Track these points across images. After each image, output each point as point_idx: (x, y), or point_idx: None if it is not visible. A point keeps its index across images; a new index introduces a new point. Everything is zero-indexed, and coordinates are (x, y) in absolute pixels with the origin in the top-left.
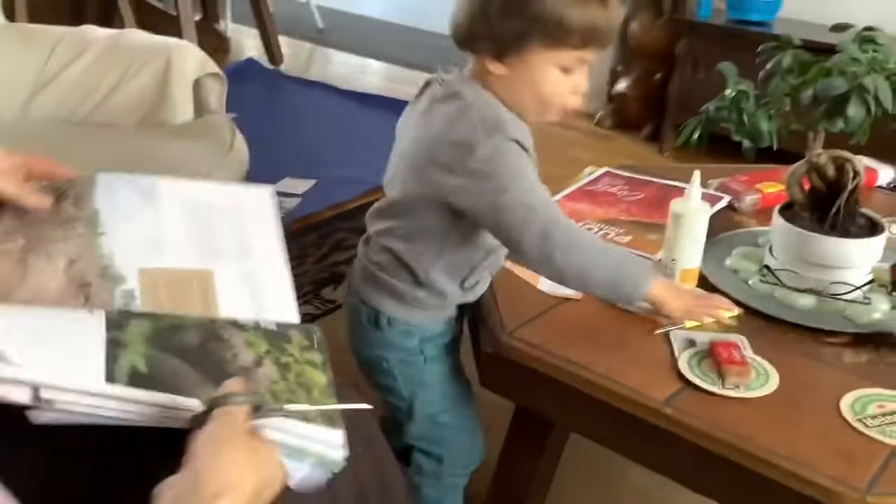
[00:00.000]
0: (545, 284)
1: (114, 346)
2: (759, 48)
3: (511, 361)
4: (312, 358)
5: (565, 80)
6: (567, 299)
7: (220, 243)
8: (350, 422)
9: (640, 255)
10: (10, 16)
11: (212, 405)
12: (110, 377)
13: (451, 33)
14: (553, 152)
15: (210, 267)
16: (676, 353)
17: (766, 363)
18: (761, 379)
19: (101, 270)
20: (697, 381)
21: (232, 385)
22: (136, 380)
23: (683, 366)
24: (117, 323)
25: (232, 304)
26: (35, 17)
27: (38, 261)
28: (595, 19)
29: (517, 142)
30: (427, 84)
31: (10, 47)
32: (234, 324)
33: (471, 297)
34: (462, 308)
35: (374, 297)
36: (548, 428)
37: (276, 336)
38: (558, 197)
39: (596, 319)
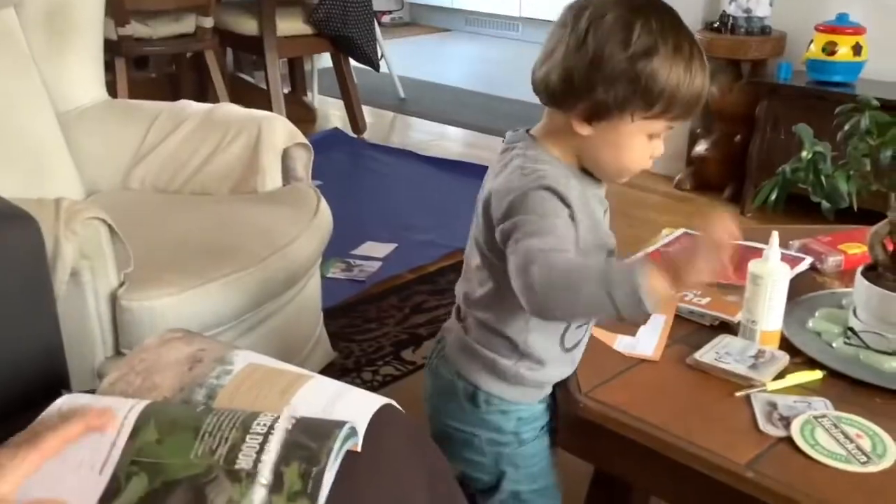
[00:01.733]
0: (621, 344)
1: None
2: (836, 110)
3: (588, 422)
4: None
5: (648, 147)
6: (644, 360)
7: None
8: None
9: (721, 318)
10: (113, 93)
11: None
12: None
13: (537, 87)
14: (633, 215)
15: (312, 375)
16: (762, 418)
17: (881, 432)
18: (879, 448)
19: (222, 352)
20: (824, 459)
21: None
22: None
23: (798, 438)
24: (117, 483)
25: (305, 400)
26: (135, 93)
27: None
28: (701, 91)
29: (551, 189)
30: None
31: (112, 122)
32: (231, 473)
33: (570, 365)
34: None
35: (473, 373)
36: (627, 491)
37: (273, 489)
38: (636, 258)
39: (674, 380)
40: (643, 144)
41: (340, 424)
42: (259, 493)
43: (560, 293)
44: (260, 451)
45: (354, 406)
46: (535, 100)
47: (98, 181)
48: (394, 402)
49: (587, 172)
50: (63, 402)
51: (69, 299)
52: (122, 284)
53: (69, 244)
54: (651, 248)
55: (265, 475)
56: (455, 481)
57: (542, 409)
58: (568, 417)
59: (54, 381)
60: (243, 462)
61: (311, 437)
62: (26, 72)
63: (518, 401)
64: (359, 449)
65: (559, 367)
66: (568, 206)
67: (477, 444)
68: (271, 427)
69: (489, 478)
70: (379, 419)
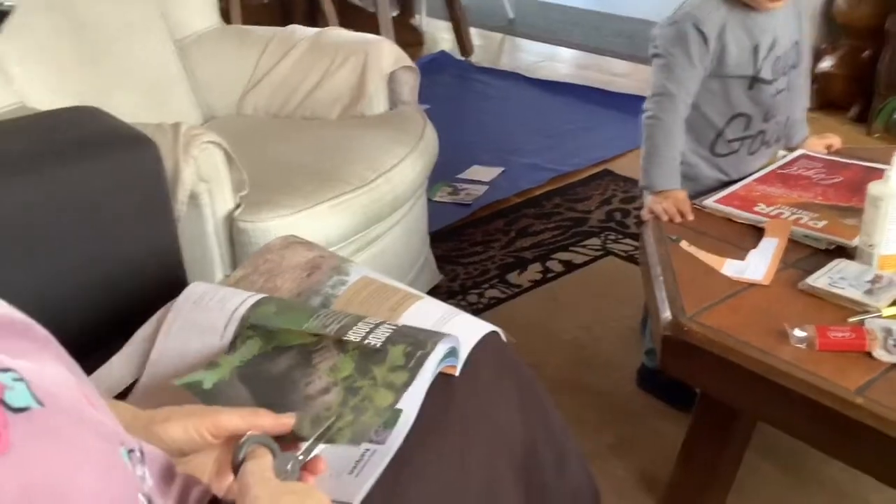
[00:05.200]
0: (730, 268)
1: (210, 364)
2: None
3: (693, 346)
4: (394, 379)
5: None
6: (752, 284)
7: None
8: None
9: (837, 242)
10: (227, 19)
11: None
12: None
13: None
14: None
15: (422, 296)
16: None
17: None
18: None
19: (338, 262)
20: None
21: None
22: (195, 391)
23: None
24: (234, 342)
25: (413, 319)
26: (248, 19)
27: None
28: None
29: (695, 16)
30: None
31: (227, 48)
32: (340, 343)
33: (716, 170)
34: None
35: None
36: (733, 415)
37: (372, 358)
38: (749, 180)
39: (784, 305)
40: None
41: (447, 335)
42: (362, 364)
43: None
44: (370, 332)
45: (461, 330)
46: (648, 16)
47: (214, 106)
48: (499, 330)
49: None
50: (193, 287)
51: (188, 220)
52: (237, 206)
53: (188, 167)
54: (768, 170)
55: (373, 344)
56: (550, 412)
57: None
58: (672, 340)
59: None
60: (352, 335)
61: (419, 333)
62: (145, 0)
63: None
64: (457, 373)
65: (710, 173)
66: (702, 34)
67: None
68: (383, 322)
69: None
70: (481, 346)
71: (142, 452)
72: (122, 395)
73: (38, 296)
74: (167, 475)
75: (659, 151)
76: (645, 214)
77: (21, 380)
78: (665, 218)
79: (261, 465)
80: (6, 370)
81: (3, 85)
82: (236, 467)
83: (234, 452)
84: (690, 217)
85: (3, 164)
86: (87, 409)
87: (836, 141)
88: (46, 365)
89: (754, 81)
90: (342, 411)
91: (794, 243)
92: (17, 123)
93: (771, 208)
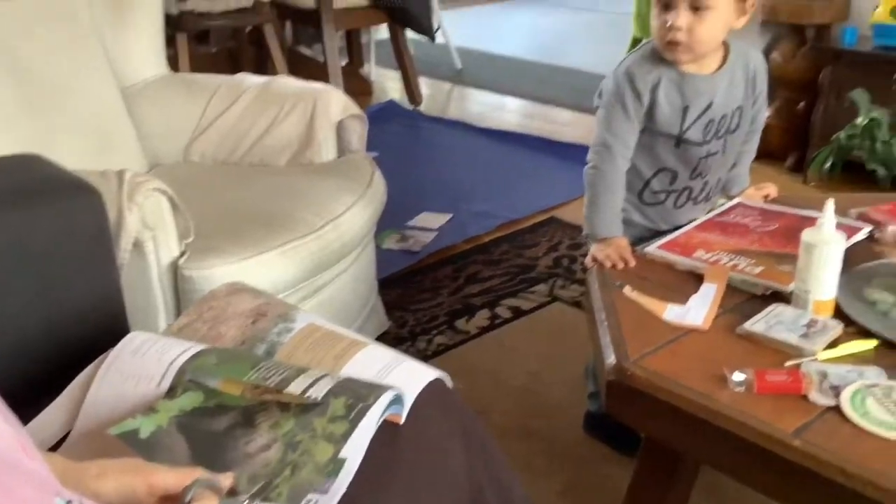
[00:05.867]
0: (670, 314)
1: (147, 410)
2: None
3: (636, 390)
4: (334, 430)
5: (662, 17)
6: (693, 329)
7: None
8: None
9: (773, 287)
10: (175, 67)
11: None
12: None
13: None
14: None
15: (369, 343)
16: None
17: None
18: None
19: (285, 309)
20: (873, 428)
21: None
22: (131, 440)
23: (847, 407)
24: (173, 391)
25: (359, 366)
26: (196, 68)
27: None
28: None
29: (629, 73)
30: None
31: (174, 96)
32: (280, 405)
33: (643, 217)
34: None
35: None
36: (677, 459)
37: (313, 412)
38: (689, 227)
39: (723, 349)
40: (657, 14)
41: (390, 388)
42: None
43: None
44: (311, 386)
45: (406, 377)
46: (594, 69)
47: (160, 154)
48: (444, 376)
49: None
50: (133, 336)
51: (132, 268)
52: (182, 254)
53: (132, 215)
54: (704, 219)
55: (314, 397)
56: (496, 457)
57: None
58: (616, 385)
59: None
60: (294, 388)
61: (361, 387)
62: (90, 47)
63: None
64: (402, 421)
65: (636, 216)
66: (632, 83)
67: None
68: (325, 375)
69: None
70: (427, 392)
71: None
72: (57, 445)
73: None
74: None
75: (599, 201)
76: (589, 262)
77: None
78: (608, 264)
79: None
80: None
81: None
82: None
83: (181, 495)
84: (632, 263)
85: None
86: (22, 459)
87: (772, 190)
88: None
89: (680, 141)
90: (281, 468)
91: (732, 289)
92: None
93: (710, 255)
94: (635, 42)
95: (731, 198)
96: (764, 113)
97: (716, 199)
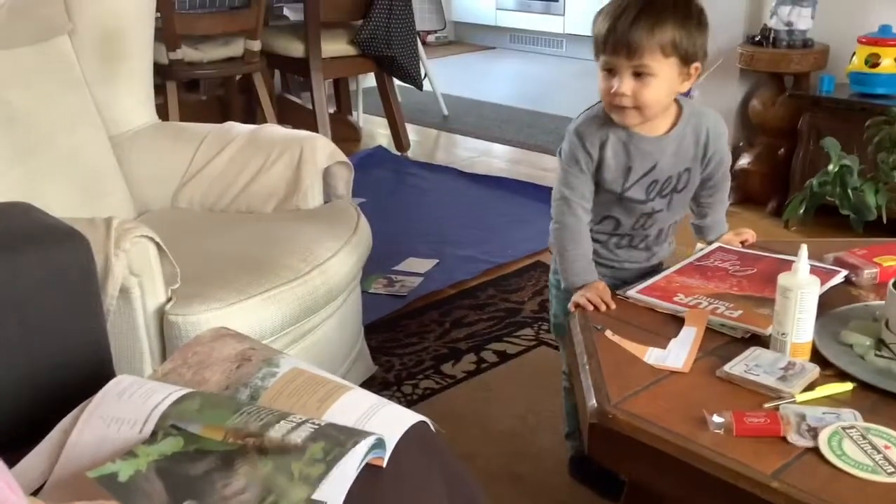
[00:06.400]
0: (651, 357)
1: (127, 454)
2: (867, 122)
3: (617, 433)
4: (310, 472)
5: (608, 82)
6: (673, 372)
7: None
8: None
9: (752, 331)
10: (164, 115)
11: None
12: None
13: None
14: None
15: (352, 387)
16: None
17: None
18: None
19: (269, 354)
20: (850, 469)
21: None
22: (109, 484)
23: (825, 448)
24: (154, 436)
25: (342, 410)
26: (186, 115)
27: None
28: (601, 32)
29: (579, 131)
30: None
31: (162, 144)
32: (259, 449)
33: (597, 255)
34: None
35: None
36: (660, 501)
37: (291, 455)
38: (669, 272)
39: (703, 392)
40: (603, 79)
41: (370, 434)
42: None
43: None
44: (292, 430)
45: (388, 421)
46: (575, 114)
47: (149, 201)
48: (427, 420)
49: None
50: (119, 380)
51: (119, 314)
52: (169, 300)
53: (119, 262)
54: (684, 263)
55: (294, 442)
56: (480, 499)
57: None
58: (598, 428)
59: None
60: (274, 433)
61: (340, 433)
62: (80, 96)
63: None
64: (384, 464)
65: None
66: (581, 142)
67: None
68: (306, 420)
69: None
70: (410, 436)
71: None
72: (37, 491)
73: None
74: None
75: (568, 253)
76: (571, 307)
77: None
78: (590, 308)
79: None
80: None
81: None
82: None
83: None
84: (612, 306)
85: None
86: (10, 497)
87: (750, 236)
88: None
89: (622, 198)
90: None
91: (711, 332)
92: None
93: (689, 298)
94: None
95: (709, 243)
96: (725, 168)
97: (663, 245)
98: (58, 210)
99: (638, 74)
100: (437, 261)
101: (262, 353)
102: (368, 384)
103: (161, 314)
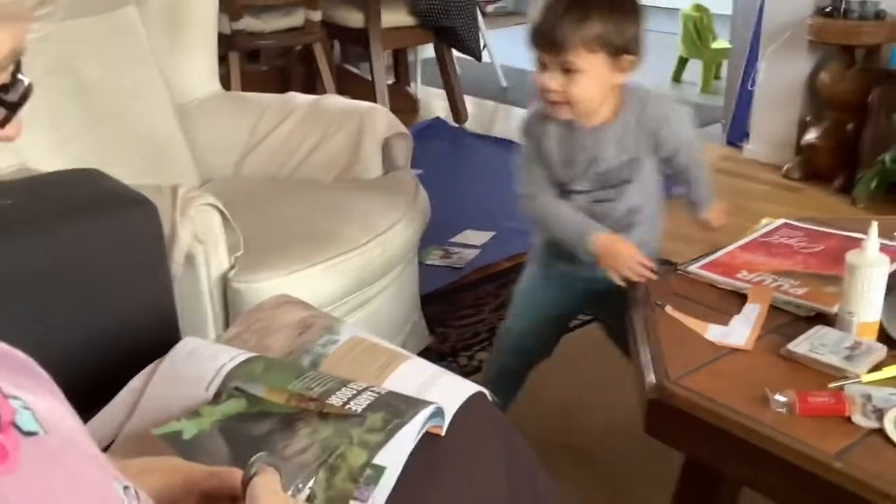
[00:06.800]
0: (712, 333)
1: (191, 414)
2: None
3: (677, 410)
4: (369, 439)
5: (540, 78)
6: (735, 349)
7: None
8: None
9: (817, 309)
10: (226, 85)
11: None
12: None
13: None
14: (737, 203)
15: (411, 356)
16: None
17: None
18: None
19: (330, 322)
20: None
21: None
22: (173, 441)
23: (890, 429)
24: (218, 397)
25: (401, 379)
26: (247, 85)
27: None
28: (530, 24)
29: (525, 124)
30: None
31: (226, 114)
32: (320, 414)
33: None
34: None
35: None
36: (718, 480)
37: (351, 421)
38: (732, 247)
39: (765, 370)
40: (536, 73)
41: (430, 403)
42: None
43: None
44: (352, 398)
45: (447, 390)
46: (642, 82)
47: (212, 169)
48: (485, 391)
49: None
50: (187, 342)
51: (184, 280)
52: (232, 267)
53: (184, 229)
54: (748, 239)
55: (353, 410)
56: (536, 471)
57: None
58: (656, 404)
59: None
60: (335, 400)
61: (400, 402)
62: (147, 66)
63: None
64: (443, 433)
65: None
66: (526, 133)
67: None
68: (367, 388)
69: None
70: (468, 406)
71: (136, 492)
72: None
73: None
74: None
75: (559, 221)
76: (619, 281)
77: (28, 408)
78: (642, 280)
79: (270, 480)
80: (15, 397)
81: (4, 147)
82: (245, 484)
83: (245, 470)
84: (647, 262)
85: (7, 224)
86: (84, 442)
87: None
88: (45, 399)
89: (567, 190)
90: (316, 470)
91: (775, 310)
92: (22, 185)
93: (753, 275)
94: (682, 61)
95: (699, 220)
96: (688, 150)
97: (634, 231)
98: (125, 177)
99: (567, 70)
100: (494, 233)
101: (322, 320)
102: (424, 354)
103: (225, 281)
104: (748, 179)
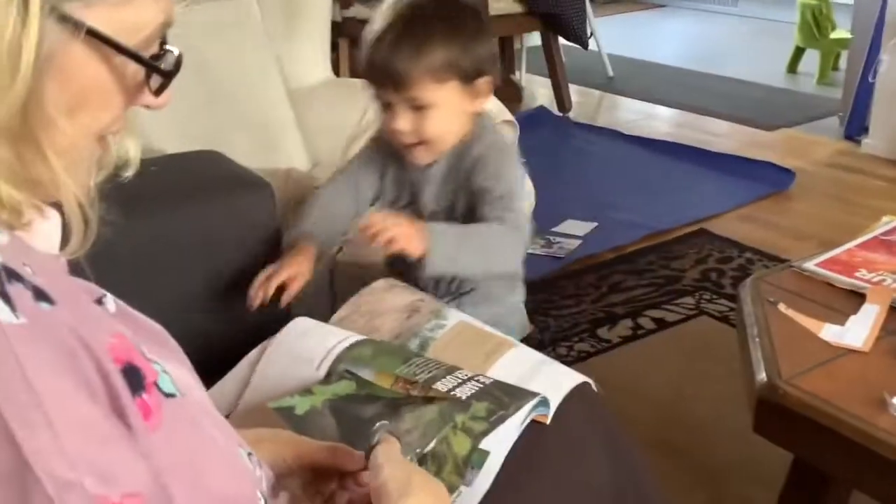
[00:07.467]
0: (828, 333)
1: (304, 391)
2: None
3: (788, 410)
4: (474, 427)
5: (385, 119)
6: (851, 350)
7: None
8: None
9: None
10: (336, 71)
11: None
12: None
13: None
14: (852, 200)
15: (517, 343)
16: None
17: None
18: None
19: (437, 306)
20: None
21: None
22: (287, 415)
23: None
24: (329, 377)
25: (507, 366)
26: (356, 72)
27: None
28: (365, 56)
29: (362, 154)
30: None
31: (336, 99)
32: (426, 399)
33: None
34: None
35: None
36: (827, 482)
37: (456, 407)
38: (851, 245)
39: (883, 373)
40: (383, 115)
41: (535, 394)
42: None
43: None
44: (457, 386)
45: (553, 379)
46: (751, 78)
47: (321, 153)
48: (590, 381)
49: None
50: (298, 321)
51: None
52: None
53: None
54: (868, 237)
55: (458, 396)
56: (640, 463)
57: None
58: (767, 404)
59: None
60: (441, 386)
61: (505, 393)
62: (264, 51)
63: None
64: (548, 421)
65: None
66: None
67: None
68: (472, 376)
69: None
70: (573, 396)
71: (258, 460)
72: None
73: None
74: (274, 487)
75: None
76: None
77: (166, 372)
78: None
79: (392, 447)
80: (155, 362)
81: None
82: (368, 451)
83: (369, 438)
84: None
85: (137, 202)
86: (212, 409)
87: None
88: (177, 368)
89: None
90: (420, 453)
91: (895, 311)
92: (150, 164)
93: (873, 275)
94: (798, 51)
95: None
96: (492, 201)
97: (463, 298)
98: (240, 158)
99: (416, 107)
100: (596, 224)
101: (430, 304)
102: (524, 343)
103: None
104: (866, 175)
